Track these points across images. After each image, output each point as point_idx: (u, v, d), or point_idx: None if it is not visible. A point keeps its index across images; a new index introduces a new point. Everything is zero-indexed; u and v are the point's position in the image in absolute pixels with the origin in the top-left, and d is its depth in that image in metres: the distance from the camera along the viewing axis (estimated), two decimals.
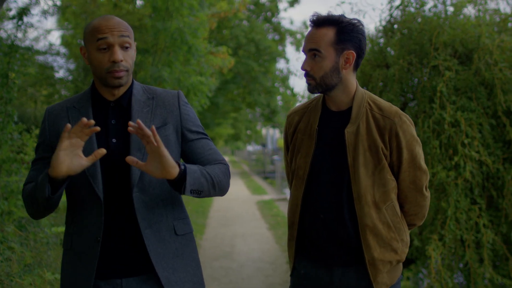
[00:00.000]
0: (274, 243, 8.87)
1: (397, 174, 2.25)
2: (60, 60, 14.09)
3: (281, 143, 39.14)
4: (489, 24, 4.66)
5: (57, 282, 4.16)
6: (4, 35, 6.62)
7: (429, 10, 4.95)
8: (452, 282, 4.20)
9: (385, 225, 2.22)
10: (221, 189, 2.12)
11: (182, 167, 1.94)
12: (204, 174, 2.03)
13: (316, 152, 2.30)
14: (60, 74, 14.32)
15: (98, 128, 1.83)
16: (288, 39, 28.24)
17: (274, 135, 40.14)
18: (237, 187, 20.29)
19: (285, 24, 47.36)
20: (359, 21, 2.23)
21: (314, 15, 2.23)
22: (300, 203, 2.33)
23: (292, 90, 27.43)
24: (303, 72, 2.25)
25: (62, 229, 5.35)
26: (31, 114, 10.74)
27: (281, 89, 27.83)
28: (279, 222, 11.08)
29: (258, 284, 6.22)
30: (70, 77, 13.85)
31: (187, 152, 2.17)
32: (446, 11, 4.96)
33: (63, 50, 14.59)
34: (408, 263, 4.77)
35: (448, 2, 5.07)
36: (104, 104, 2.10)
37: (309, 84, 2.25)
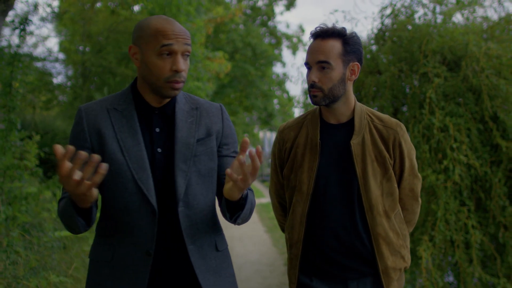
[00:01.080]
0: (271, 246, 8.98)
1: (398, 183, 2.29)
2: (59, 66, 14.21)
3: None
4: (476, 32, 4.81)
5: (62, 284, 4.31)
6: (5, 43, 6.75)
7: (419, 18, 5.12)
8: (443, 282, 4.35)
9: (394, 233, 2.26)
10: (248, 220, 2.04)
11: (245, 194, 1.85)
12: (252, 204, 1.97)
13: (320, 166, 2.28)
14: (59, 80, 14.43)
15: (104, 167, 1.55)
16: (285, 43, 28.32)
17: (271, 138, 40.26)
18: None
19: (281, 28, 47.45)
20: (356, 33, 2.27)
21: (319, 27, 2.23)
22: (305, 219, 2.29)
23: (288, 93, 27.55)
24: (310, 84, 2.21)
25: (65, 233, 5.48)
26: (31, 120, 10.88)
27: (278, 93, 27.91)
28: (276, 225, 11.18)
29: (256, 286, 6.34)
30: (69, 83, 13.95)
31: (219, 165, 2.05)
32: (435, 19, 5.12)
33: (61, 56, 14.72)
34: None
35: (438, 10, 5.24)
36: (148, 110, 1.96)
37: (315, 96, 2.22)
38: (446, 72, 4.59)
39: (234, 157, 2.08)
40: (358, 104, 2.32)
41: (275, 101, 27.61)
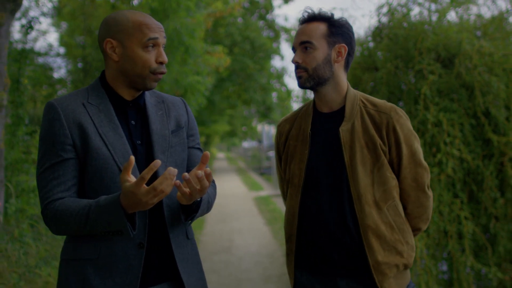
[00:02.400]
0: (271, 238, 9.13)
1: (398, 172, 2.17)
2: (59, 61, 14.33)
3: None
4: (469, 30, 4.96)
5: None
6: (12, 39, 6.90)
7: (415, 16, 5.27)
8: (437, 270, 4.51)
9: (387, 226, 2.13)
10: (208, 211, 2.10)
11: (198, 199, 1.90)
12: (208, 202, 2.04)
13: (310, 157, 2.23)
14: (60, 74, 14.54)
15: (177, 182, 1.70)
16: (283, 36, 28.41)
17: (270, 131, 40.39)
18: (234, 184, 20.54)
19: (280, 21, 47.53)
20: (347, 20, 2.24)
21: (305, 11, 2.22)
22: (298, 212, 2.24)
23: (286, 86, 27.69)
24: (295, 65, 2.20)
25: None
26: (34, 115, 11.01)
27: (276, 86, 28.04)
28: (276, 217, 11.34)
29: (256, 276, 6.52)
30: (70, 78, 14.06)
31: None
32: (430, 16, 5.27)
33: (61, 50, 14.81)
34: None
35: (433, 8, 5.39)
36: (123, 104, 1.98)
37: (300, 77, 2.19)
38: (441, 69, 4.73)
39: (198, 148, 2.16)
40: (352, 90, 2.25)
41: (274, 94, 27.75)
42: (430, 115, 4.51)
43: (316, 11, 2.22)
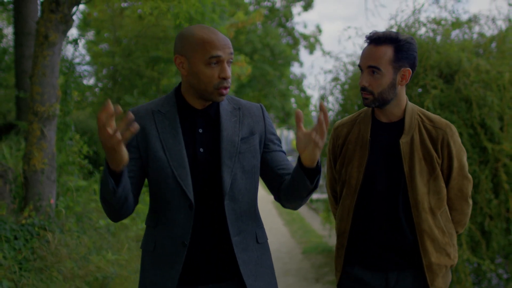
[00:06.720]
0: (289, 237, 9.60)
1: (447, 182, 2.32)
2: (89, 68, 14.88)
3: (295, 144, 39.36)
4: (469, 49, 5.48)
5: (117, 262, 5.10)
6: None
7: (420, 36, 5.81)
8: None
9: (440, 230, 2.30)
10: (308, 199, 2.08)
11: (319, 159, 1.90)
12: None
13: (369, 162, 2.36)
14: (90, 82, 15.09)
15: (132, 116, 1.71)
16: (302, 43, 28.75)
17: (289, 136, 40.72)
18: None
19: (299, 28, 47.89)
20: (413, 39, 2.30)
21: (373, 32, 2.29)
22: (352, 212, 2.38)
23: (305, 92, 27.98)
24: (361, 87, 2.29)
25: (110, 221, 6.23)
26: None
27: (296, 92, 28.36)
28: (294, 218, 11.79)
29: (276, 270, 7.00)
30: (100, 84, 14.66)
31: (269, 160, 2.15)
32: (435, 36, 5.80)
33: (87, 58, 15.34)
34: None
35: (440, 30, 5.90)
36: (191, 112, 2.06)
37: (366, 98, 2.29)
38: (442, 85, 5.24)
39: (282, 151, 2.20)
40: (410, 104, 2.37)
41: (292, 100, 28.08)
42: None
43: (383, 33, 2.28)
